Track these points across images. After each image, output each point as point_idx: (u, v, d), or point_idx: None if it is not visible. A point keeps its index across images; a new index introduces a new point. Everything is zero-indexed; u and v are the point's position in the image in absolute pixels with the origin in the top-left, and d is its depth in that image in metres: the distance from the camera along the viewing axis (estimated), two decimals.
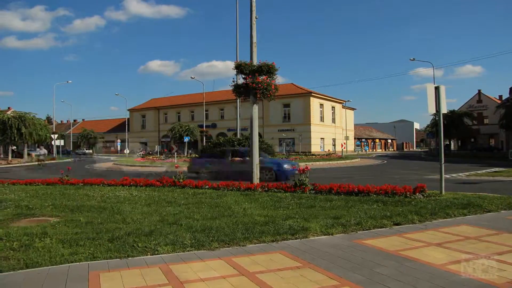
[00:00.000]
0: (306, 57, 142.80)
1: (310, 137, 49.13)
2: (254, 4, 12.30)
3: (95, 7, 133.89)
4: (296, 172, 12.87)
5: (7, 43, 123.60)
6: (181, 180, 11.68)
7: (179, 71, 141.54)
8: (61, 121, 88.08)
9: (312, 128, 49.90)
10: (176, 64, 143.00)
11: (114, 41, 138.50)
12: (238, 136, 34.26)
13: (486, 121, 59.54)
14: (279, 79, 11.87)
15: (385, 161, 33.19)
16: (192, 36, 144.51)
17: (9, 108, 58.52)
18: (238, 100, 32.64)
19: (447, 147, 50.32)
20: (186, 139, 42.69)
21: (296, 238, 5.34)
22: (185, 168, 16.82)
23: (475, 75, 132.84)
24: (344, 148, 45.44)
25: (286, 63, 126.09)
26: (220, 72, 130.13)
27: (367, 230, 5.84)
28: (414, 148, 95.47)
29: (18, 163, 33.60)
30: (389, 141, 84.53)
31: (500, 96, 60.72)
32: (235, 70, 11.91)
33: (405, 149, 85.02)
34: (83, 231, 5.71)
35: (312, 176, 10.73)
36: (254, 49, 12.15)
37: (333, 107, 56.95)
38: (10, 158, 36.85)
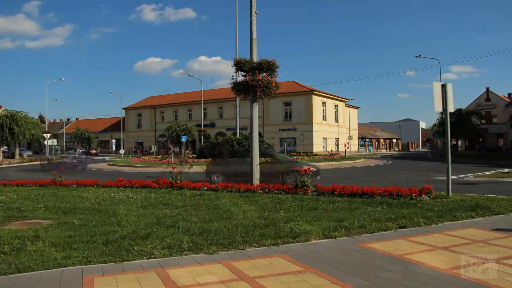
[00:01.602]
0: (308, 54, 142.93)
1: (312, 137, 49.10)
2: None
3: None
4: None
5: (1, 45, 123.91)
6: (178, 182, 11.68)
7: (176, 69, 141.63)
8: (54, 120, 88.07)
9: (314, 127, 49.87)
10: (173, 61, 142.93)
11: (109, 38, 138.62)
12: (238, 135, 34.32)
13: (494, 120, 59.49)
14: (280, 77, 11.88)
15: (390, 162, 33.20)
16: (190, 32, 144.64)
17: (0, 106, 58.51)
18: (237, 99, 32.62)
19: (455, 147, 50.35)
20: (183, 139, 42.66)
21: (297, 242, 5.35)
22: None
23: (477, 74, 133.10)
24: (348, 148, 45.45)
25: (287, 60, 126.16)
26: (219, 69, 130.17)
27: (371, 233, 5.84)
28: (420, 148, 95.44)
29: (9, 164, 33.58)
30: (394, 140, 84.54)
31: (509, 95, 60.70)
32: (235, 67, 11.91)
33: (410, 149, 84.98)
34: (76, 234, 5.71)
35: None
36: (254, 46, 12.15)
37: (336, 106, 56.94)
38: (1, 158, 36.83)
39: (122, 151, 55.14)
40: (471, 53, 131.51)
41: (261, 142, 25.63)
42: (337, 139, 55.46)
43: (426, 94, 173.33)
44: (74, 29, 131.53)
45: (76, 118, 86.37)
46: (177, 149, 33.98)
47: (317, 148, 49.60)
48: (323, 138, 52.55)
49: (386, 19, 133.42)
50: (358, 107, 69.33)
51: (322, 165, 27.74)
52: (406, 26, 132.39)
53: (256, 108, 12.06)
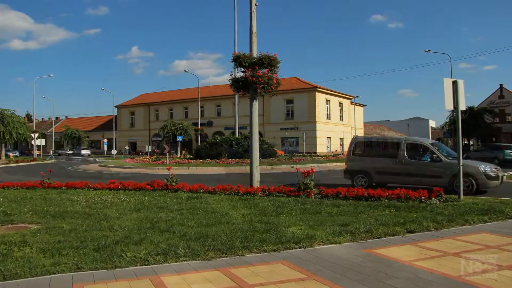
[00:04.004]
0: (310, 49, 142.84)
1: (315, 136, 49.11)
2: None
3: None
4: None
5: None
6: (174, 184, 11.68)
7: (172, 65, 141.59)
8: (42, 118, 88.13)
9: (318, 126, 49.89)
10: (168, 56, 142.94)
11: (101, 32, 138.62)
12: (237, 135, 34.36)
13: (508, 118, 59.42)
14: (281, 73, 11.87)
15: None
16: (187, 26, 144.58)
17: None
18: (236, 96, 32.76)
19: (466, 147, 50.33)
20: (179, 139, 42.67)
21: (300, 247, 5.35)
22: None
23: (490, 69, 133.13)
24: None
25: (289, 55, 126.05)
26: (217, 66, 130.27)
27: (378, 238, 5.85)
28: None
29: None
30: None
31: None
32: (233, 63, 11.90)
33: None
34: (66, 240, 5.72)
35: (317, 179, 10.74)
36: (254, 40, 12.15)
37: (340, 103, 56.95)
38: None
39: (114, 151, 55.15)
40: (482, 48, 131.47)
41: (261, 142, 25.72)
42: (342, 139, 55.46)
43: (435, 91, 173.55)
44: (64, 26, 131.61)
45: (66, 117, 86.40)
46: (168, 149, 33.74)
47: (321, 148, 49.61)
48: (327, 137, 52.55)
49: (393, 13, 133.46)
50: (364, 105, 69.45)
51: (326, 166, 27.78)
52: (412, 21, 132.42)
53: (256, 106, 12.06)
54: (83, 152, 61.22)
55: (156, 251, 5.06)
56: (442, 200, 8.80)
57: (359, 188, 10.10)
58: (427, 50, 42.38)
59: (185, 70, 54.28)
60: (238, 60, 11.65)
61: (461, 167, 9.34)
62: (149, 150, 49.64)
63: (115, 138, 62.87)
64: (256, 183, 11.49)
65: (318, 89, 51.47)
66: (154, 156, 40.90)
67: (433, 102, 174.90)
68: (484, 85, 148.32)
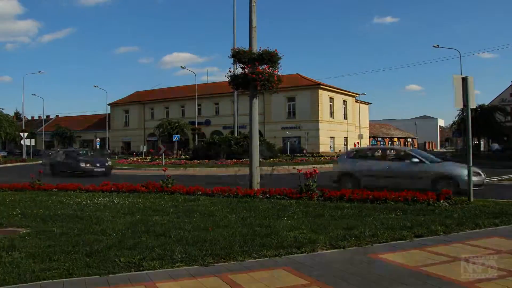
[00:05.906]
0: (313, 44, 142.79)
1: (318, 136, 49.16)
2: None
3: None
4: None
5: None
6: (169, 185, 11.68)
7: (168, 62, 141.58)
8: (32, 117, 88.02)
9: (321, 125, 49.91)
10: (164, 53, 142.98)
11: (93, 28, 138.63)
12: (236, 134, 34.39)
13: None
14: (282, 69, 11.87)
15: None
16: (185, 24, 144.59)
17: None
18: (235, 93, 32.76)
19: (476, 147, 50.31)
20: (175, 138, 42.63)
21: (302, 252, 5.35)
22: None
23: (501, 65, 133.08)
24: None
25: (291, 51, 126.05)
26: (215, 62, 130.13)
27: (384, 242, 5.84)
28: (438, 148, 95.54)
29: None
30: (410, 140, 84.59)
31: None
32: (232, 59, 11.90)
33: (427, 149, 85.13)
34: (57, 244, 5.72)
35: (320, 181, 10.72)
36: (254, 35, 12.13)
37: (345, 101, 56.97)
38: None
39: (107, 152, 55.15)
40: (493, 42, 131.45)
41: (261, 141, 25.70)
42: (346, 138, 55.45)
43: (444, 88, 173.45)
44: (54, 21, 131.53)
45: (57, 115, 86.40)
46: (164, 149, 33.46)
47: (324, 148, 49.66)
48: (331, 137, 52.58)
49: (398, 8, 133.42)
50: (370, 103, 69.48)
51: (329, 167, 27.77)
52: (417, 15, 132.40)
53: (256, 104, 12.06)
54: None
55: (151, 256, 5.06)
56: (451, 203, 8.80)
57: (364, 190, 10.10)
58: (435, 46, 42.42)
59: (181, 66, 54.48)
60: (237, 56, 11.64)
61: (471, 168, 9.35)
62: (144, 150, 49.57)
63: (108, 138, 62.88)
64: (256, 185, 11.50)
65: (321, 86, 51.47)
66: (149, 157, 40.86)
67: (442, 100, 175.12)
68: (495, 82, 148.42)
